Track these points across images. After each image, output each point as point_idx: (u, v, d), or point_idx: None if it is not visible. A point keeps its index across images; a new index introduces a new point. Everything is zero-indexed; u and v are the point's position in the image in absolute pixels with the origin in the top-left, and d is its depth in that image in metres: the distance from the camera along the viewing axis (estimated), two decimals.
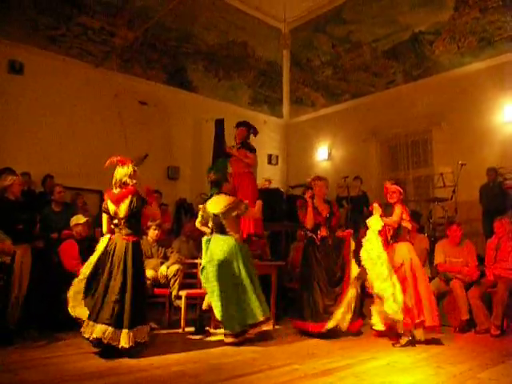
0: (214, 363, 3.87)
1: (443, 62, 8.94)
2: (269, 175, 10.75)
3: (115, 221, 4.29)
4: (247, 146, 6.50)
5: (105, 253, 4.20)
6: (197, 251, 7.42)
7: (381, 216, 4.91)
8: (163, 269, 5.72)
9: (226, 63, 10.31)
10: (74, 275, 5.14)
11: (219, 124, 9.30)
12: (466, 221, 7.93)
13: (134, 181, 4.35)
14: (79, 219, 5.65)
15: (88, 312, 4.04)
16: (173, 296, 5.62)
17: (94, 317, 3.98)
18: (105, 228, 4.42)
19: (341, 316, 4.91)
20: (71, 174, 7.89)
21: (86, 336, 3.97)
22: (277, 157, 11.74)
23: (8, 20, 7.58)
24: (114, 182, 4.38)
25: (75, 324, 4.15)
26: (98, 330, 3.90)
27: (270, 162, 11.51)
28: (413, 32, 8.92)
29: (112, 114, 8.78)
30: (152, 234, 5.98)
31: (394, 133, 9.87)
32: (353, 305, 4.98)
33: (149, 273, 5.54)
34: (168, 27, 9.12)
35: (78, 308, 4.09)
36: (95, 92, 8.63)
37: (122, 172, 4.38)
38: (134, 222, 4.28)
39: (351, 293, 4.99)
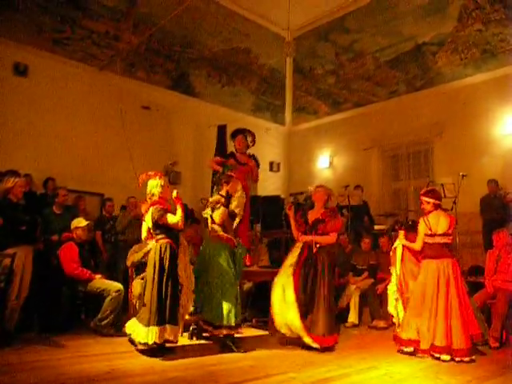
0: (211, 370, 3.86)
1: (446, 72, 8.98)
2: (271, 182, 10.79)
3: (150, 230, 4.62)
4: (255, 158, 6.19)
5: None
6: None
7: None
8: None
9: (230, 70, 10.35)
10: (73, 278, 5.18)
11: (221, 130, 9.33)
12: (466, 232, 7.94)
13: (161, 191, 4.59)
14: (80, 222, 5.65)
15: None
16: None
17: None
18: (143, 235, 4.81)
19: None
20: (73, 177, 7.92)
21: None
22: (278, 164, 11.75)
23: (13, 22, 7.62)
24: (146, 194, 4.67)
25: (73, 327, 4.15)
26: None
27: (271, 169, 11.52)
28: (416, 43, 8.96)
29: (115, 118, 8.80)
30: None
31: (395, 142, 9.90)
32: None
33: None
34: (172, 33, 9.15)
35: None
36: (99, 95, 8.68)
37: (152, 184, 4.64)
38: (161, 229, 4.51)
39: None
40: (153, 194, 4.59)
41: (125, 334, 5.08)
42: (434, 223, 4.79)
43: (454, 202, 7.65)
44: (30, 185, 6.97)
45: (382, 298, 6.35)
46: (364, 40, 9.62)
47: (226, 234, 4.87)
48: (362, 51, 9.79)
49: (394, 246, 5.27)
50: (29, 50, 7.88)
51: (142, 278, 5.60)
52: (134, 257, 5.69)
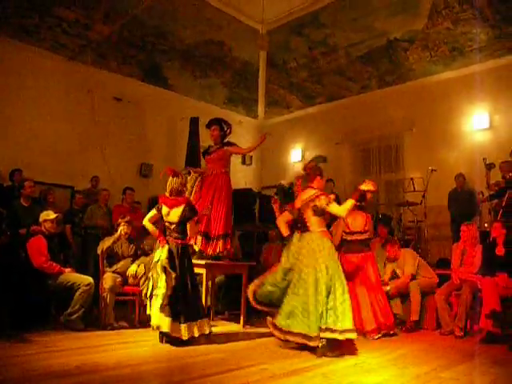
0: (184, 362, 3.86)
1: (416, 69, 9.14)
2: (242, 175, 10.81)
3: (166, 224, 4.71)
4: (230, 144, 6.13)
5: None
6: None
7: None
8: (133, 267, 5.65)
9: (203, 62, 10.27)
10: (42, 271, 5.08)
11: (194, 123, 9.28)
12: (434, 225, 8.14)
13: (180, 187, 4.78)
14: (49, 215, 5.53)
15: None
16: (143, 294, 5.56)
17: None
18: (146, 218, 4.83)
19: None
20: (41, 169, 7.76)
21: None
22: (251, 157, 11.76)
23: None
24: (169, 190, 4.75)
25: (43, 321, 4.09)
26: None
27: (243, 163, 11.53)
28: (388, 39, 9.07)
29: (85, 109, 8.66)
30: (122, 230, 5.90)
31: (366, 137, 10.03)
32: None
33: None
34: (145, 23, 9.00)
35: None
36: (68, 86, 8.50)
37: (177, 181, 4.75)
38: (182, 228, 4.69)
39: None
40: (180, 191, 4.75)
41: (96, 328, 5.08)
42: (351, 222, 5.40)
43: (423, 196, 7.84)
44: None
45: None
46: (337, 35, 9.68)
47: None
48: (334, 46, 9.85)
49: None
50: None
51: (114, 271, 5.59)
52: (104, 243, 5.64)
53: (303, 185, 4.91)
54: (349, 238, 5.46)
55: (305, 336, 4.17)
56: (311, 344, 4.15)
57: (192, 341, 4.42)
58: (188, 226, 4.75)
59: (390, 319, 5.26)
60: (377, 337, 5.09)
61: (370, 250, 5.53)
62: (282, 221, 4.88)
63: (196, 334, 4.43)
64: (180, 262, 4.56)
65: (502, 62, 8.15)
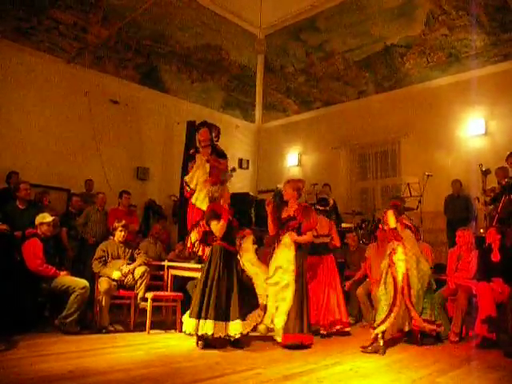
0: (177, 367, 3.83)
1: (413, 74, 9.18)
2: (239, 180, 10.80)
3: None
4: (217, 151, 6.13)
5: None
6: (165, 253, 7.37)
7: None
8: (129, 268, 5.63)
9: (200, 66, 10.29)
10: (37, 274, 5.05)
11: (191, 127, 9.25)
12: (430, 230, 8.15)
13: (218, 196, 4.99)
14: (45, 218, 5.51)
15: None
16: (138, 298, 5.54)
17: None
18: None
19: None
20: (38, 171, 7.74)
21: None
22: (248, 161, 11.78)
23: None
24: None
25: (37, 325, 4.05)
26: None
27: (240, 166, 11.53)
28: (385, 44, 9.12)
29: (82, 112, 8.64)
30: (118, 235, 5.88)
31: (363, 142, 10.06)
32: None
33: (115, 274, 5.48)
34: (143, 27, 9.03)
35: None
36: (66, 88, 8.49)
37: (213, 189, 5.02)
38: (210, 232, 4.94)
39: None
40: (215, 198, 4.97)
41: (91, 332, 5.04)
42: (319, 227, 5.61)
43: (419, 201, 7.84)
44: None
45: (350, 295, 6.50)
46: (334, 40, 9.73)
47: None
48: (332, 51, 9.90)
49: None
50: None
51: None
52: (111, 270, 5.59)
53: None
54: (316, 241, 5.67)
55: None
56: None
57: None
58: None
59: (345, 317, 5.57)
60: (327, 332, 5.42)
61: (331, 253, 5.91)
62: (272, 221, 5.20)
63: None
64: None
65: (498, 69, 8.19)
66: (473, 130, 8.36)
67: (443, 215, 8.00)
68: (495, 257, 5.33)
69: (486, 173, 7.03)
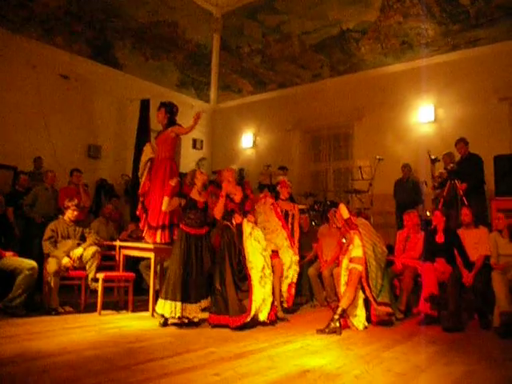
0: (130, 347, 3.83)
1: (368, 60, 9.34)
2: (193, 160, 10.72)
3: None
4: (173, 124, 6.00)
5: None
6: (117, 233, 7.25)
7: None
8: (79, 251, 5.51)
9: (155, 43, 10.03)
10: None
11: (145, 105, 9.06)
12: (380, 213, 8.42)
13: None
14: None
15: None
16: (89, 278, 5.45)
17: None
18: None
19: (255, 310, 4.77)
20: None
21: None
22: (202, 141, 11.68)
23: None
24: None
25: None
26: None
27: (194, 147, 11.44)
28: (341, 28, 9.21)
29: (30, 86, 8.26)
30: (70, 214, 5.72)
31: (317, 125, 10.19)
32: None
33: (64, 260, 5.34)
34: None
35: None
36: (11, 61, 8.07)
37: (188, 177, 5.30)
38: None
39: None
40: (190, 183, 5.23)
41: (40, 314, 4.91)
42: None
43: (370, 184, 8.07)
44: None
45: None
46: (291, 22, 9.73)
47: None
48: (288, 33, 9.90)
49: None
50: None
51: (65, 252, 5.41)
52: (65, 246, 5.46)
53: None
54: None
55: None
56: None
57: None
58: None
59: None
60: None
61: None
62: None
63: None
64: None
65: (446, 58, 8.45)
66: (423, 117, 8.63)
67: (393, 198, 8.27)
68: (439, 238, 5.58)
69: (434, 161, 7.29)
